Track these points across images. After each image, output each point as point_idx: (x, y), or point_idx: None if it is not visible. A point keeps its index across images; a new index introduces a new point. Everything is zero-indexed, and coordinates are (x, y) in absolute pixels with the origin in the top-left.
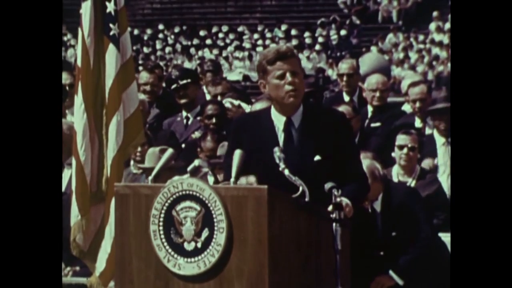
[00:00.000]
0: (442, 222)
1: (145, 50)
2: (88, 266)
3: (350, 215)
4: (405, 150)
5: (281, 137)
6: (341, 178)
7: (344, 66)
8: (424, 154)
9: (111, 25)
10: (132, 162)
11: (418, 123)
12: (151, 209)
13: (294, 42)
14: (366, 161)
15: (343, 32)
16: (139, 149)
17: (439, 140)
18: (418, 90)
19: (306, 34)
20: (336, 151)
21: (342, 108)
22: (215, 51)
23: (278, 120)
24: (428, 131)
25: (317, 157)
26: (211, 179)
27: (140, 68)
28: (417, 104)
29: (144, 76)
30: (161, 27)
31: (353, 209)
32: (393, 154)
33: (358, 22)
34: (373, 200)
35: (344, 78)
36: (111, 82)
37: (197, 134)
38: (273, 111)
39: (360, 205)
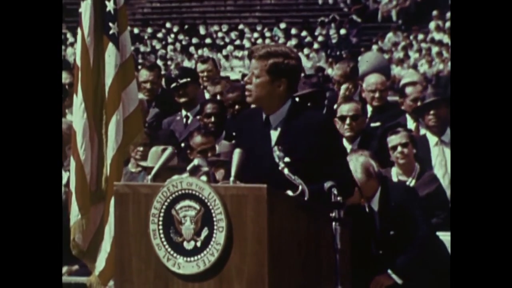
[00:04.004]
0: (442, 221)
1: (145, 49)
2: (87, 266)
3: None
4: (399, 148)
5: (261, 134)
6: (316, 179)
7: (336, 72)
8: (418, 155)
9: (110, 24)
10: (131, 161)
11: (410, 123)
12: (150, 208)
13: (294, 41)
14: (361, 158)
15: (342, 31)
16: (141, 148)
17: (432, 139)
18: (419, 88)
19: (306, 33)
20: (312, 154)
21: (350, 105)
22: (215, 50)
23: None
24: (422, 131)
25: (286, 159)
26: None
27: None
28: (418, 103)
29: (144, 74)
30: (160, 26)
31: None
32: (391, 159)
33: (358, 21)
34: (369, 198)
35: (340, 81)
36: (111, 81)
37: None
38: None
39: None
